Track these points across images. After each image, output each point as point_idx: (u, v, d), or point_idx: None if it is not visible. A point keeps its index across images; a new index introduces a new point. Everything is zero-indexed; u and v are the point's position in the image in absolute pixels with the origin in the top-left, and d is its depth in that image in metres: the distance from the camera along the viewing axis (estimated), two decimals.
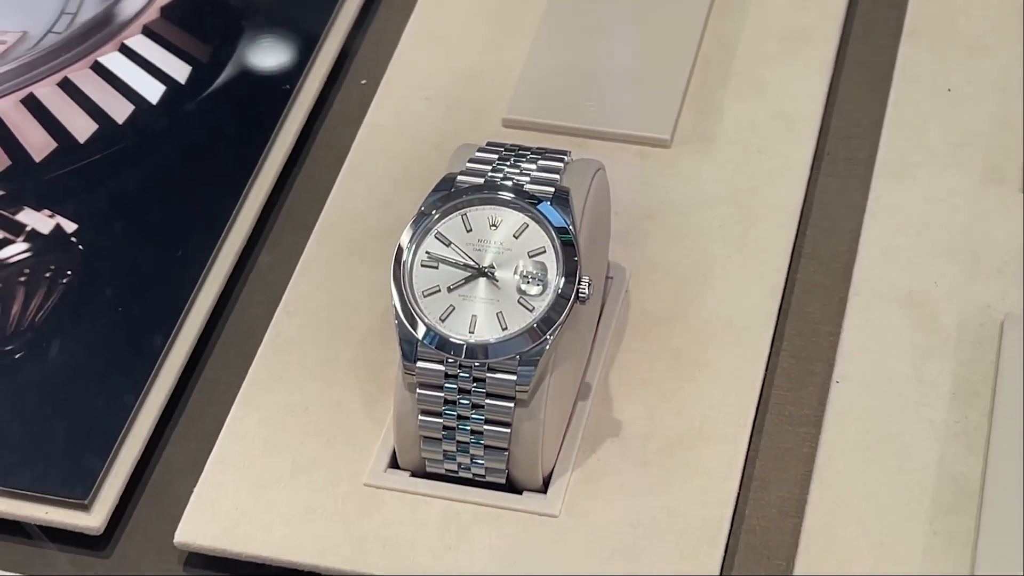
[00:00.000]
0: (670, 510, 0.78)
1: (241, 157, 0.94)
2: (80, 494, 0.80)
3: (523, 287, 0.77)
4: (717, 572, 0.76)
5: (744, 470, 0.80)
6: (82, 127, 0.95)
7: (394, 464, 0.81)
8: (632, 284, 0.87)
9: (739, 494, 0.79)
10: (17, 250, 0.90)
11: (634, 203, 0.90)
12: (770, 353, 0.84)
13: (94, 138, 0.95)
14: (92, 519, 0.80)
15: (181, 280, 0.88)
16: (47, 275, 0.89)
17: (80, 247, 0.90)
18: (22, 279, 0.89)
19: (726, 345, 0.84)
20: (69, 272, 0.89)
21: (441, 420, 0.78)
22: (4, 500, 0.81)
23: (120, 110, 0.96)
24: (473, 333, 0.77)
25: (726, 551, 0.78)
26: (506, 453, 0.78)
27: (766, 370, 0.84)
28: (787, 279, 0.87)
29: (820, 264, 0.89)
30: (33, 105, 0.96)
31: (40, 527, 0.80)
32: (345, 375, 0.84)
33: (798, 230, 0.89)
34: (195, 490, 0.81)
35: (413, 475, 0.81)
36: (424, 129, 0.95)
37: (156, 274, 0.89)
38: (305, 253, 0.90)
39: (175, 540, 0.79)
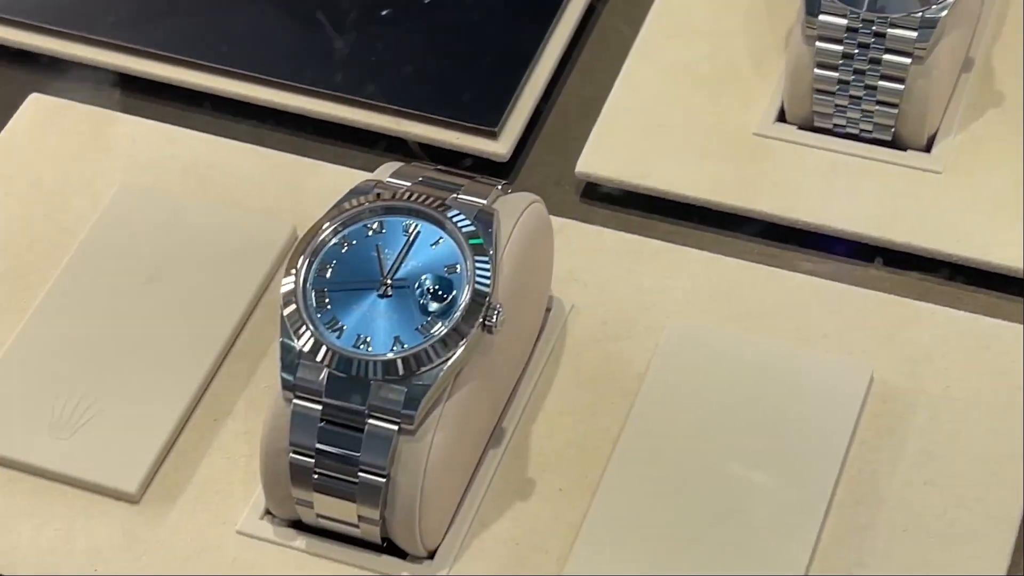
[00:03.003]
0: None
1: None
2: (490, 122, 0.86)
3: None
4: None
5: None
6: None
7: (782, 118, 0.86)
8: None
9: None
10: None
11: None
12: None
13: None
14: (499, 146, 0.86)
15: None
16: None
17: None
18: None
19: None
20: None
21: (837, 74, 0.82)
22: (422, 125, 0.87)
23: None
24: None
25: None
26: (896, 110, 0.82)
27: None
28: None
29: None
30: None
31: (450, 151, 0.87)
32: (734, 36, 0.89)
33: None
34: (594, 129, 0.86)
35: (800, 128, 0.85)
36: None
37: None
38: None
39: (576, 171, 0.85)
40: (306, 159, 0.87)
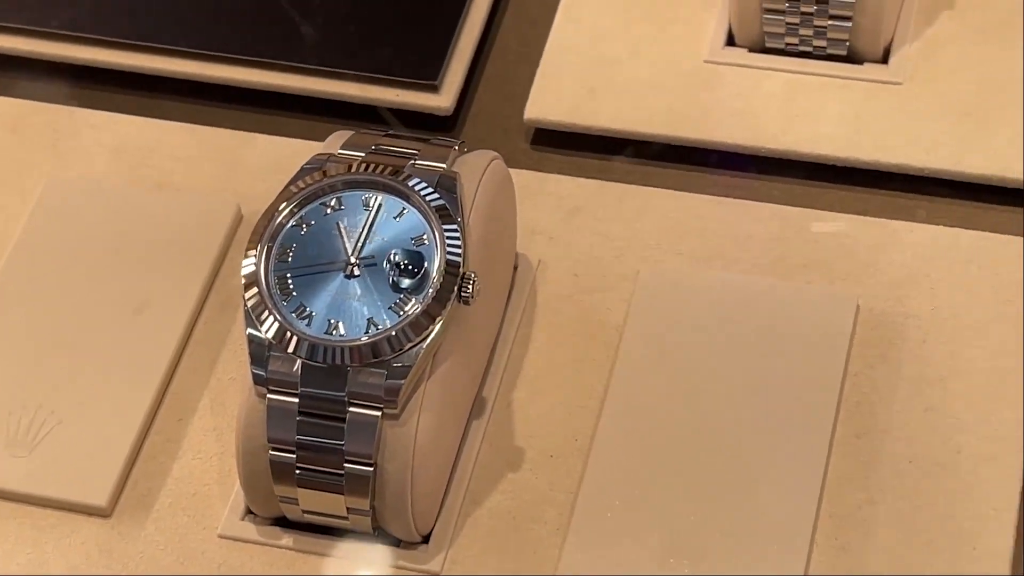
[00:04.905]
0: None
1: None
2: (429, 75, 0.82)
3: None
4: None
5: None
6: None
7: (731, 42, 0.82)
8: None
9: None
10: None
11: None
12: None
13: None
14: (442, 100, 0.82)
15: None
16: None
17: None
18: None
19: None
20: None
21: None
22: (357, 85, 0.83)
23: None
24: None
25: None
26: (850, 23, 0.79)
27: None
28: None
29: None
30: None
31: (391, 110, 0.83)
32: None
33: None
34: (538, 71, 0.83)
35: (751, 51, 0.82)
36: None
37: None
38: None
39: (525, 117, 0.81)
40: (240, 132, 0.82)
